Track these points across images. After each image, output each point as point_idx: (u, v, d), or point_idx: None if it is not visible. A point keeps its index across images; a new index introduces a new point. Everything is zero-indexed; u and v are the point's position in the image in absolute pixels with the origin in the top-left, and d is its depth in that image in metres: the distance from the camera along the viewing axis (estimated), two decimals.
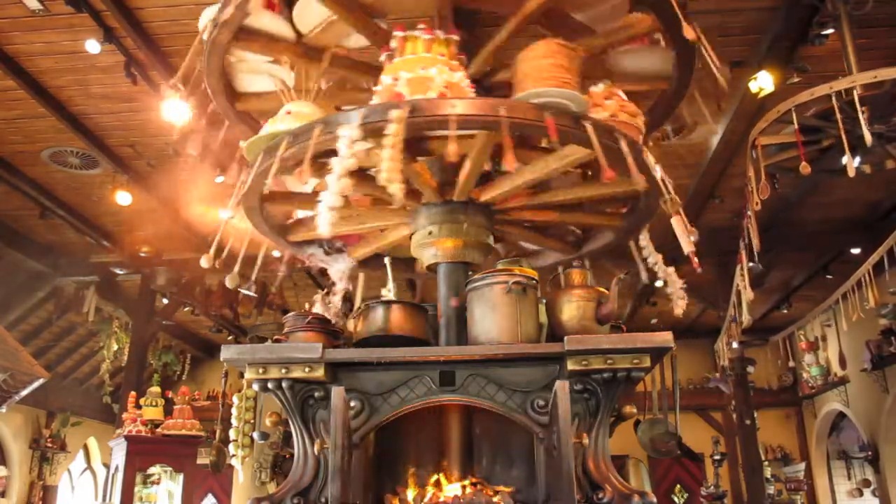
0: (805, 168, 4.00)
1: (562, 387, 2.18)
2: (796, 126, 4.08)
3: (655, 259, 2.73)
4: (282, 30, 2.69)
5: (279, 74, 2.83)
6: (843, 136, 3.86)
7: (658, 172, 2.44)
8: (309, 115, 2.51)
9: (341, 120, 2.21)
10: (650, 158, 2.40)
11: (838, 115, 3.86)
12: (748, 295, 5.71)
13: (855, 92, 3.82)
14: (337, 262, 3.05)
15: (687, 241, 2.41)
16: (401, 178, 2.07)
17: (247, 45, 2.69)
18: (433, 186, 2.60)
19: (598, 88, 2.59)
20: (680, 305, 2.64)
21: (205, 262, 2.54)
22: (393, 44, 2.49)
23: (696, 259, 2.42)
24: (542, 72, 2.32)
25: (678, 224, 2.43)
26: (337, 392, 2.20)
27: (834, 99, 3.89)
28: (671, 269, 2.69)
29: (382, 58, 2.53)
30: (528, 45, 2.42)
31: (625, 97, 2.63)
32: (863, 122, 3.74)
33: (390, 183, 2.05)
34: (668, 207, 2.44)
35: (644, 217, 2.76)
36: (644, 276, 2.73)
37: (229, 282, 2.62)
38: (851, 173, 3.95)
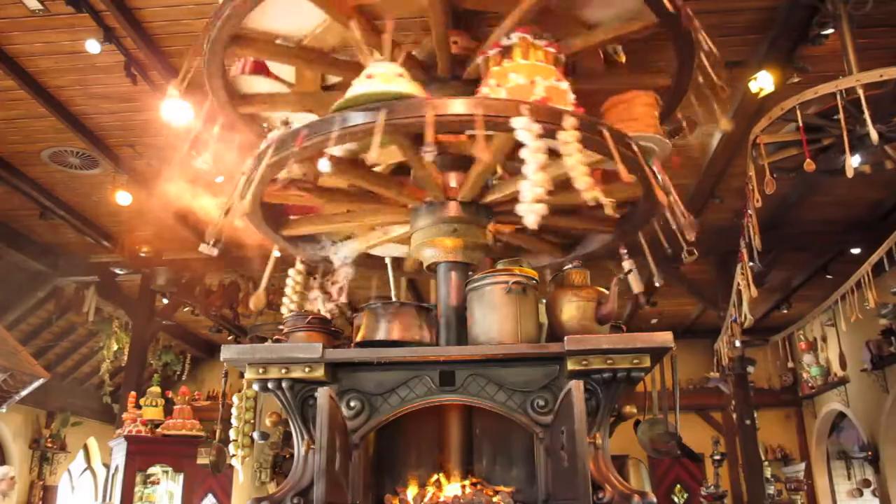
0: (809, 165, 3.98)
1: (577, 386, 2.16)
2: (801, 124, 4.05)
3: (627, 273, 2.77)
4: (276, 87, 2.73)
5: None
6: (846, 135, 3.84)
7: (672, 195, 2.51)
8: (415, 85, 2.45)
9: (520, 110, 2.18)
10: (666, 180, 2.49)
11: (842, 114, 3.84)
12: (752, 292, 5.70)
13: (860, 90, 3.80)
14: (341, 250, 3.04)
15: (637, 283, 2.50)
16: (596, 184, 2.10)
17: (251, 107, 2.74)
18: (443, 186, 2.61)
19: None
20: (636, 287, 2.66)
21: (206, 248, 2.52)
22: (505, 42, 2.48)
23: (643, 298, 2.56)
24: (648, 118, 2.63)
25: (633, 279, 2.51)
26: (323, 392, 2.19)
27: (839, 97, 3.87)
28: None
29: (492, 52, 2.52)
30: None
31: None
32: (868, 120, 3.72)
33: (591, 190, 2.06)
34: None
35: (641, 221, 2.78)
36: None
37: (208, 235, 2.57)
38: (850, 174, 3.94)
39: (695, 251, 2.60)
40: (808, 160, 4.00)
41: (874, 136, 3.72)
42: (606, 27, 2.69)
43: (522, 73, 2.41)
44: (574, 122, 2.14)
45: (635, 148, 2.27)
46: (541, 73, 2.39)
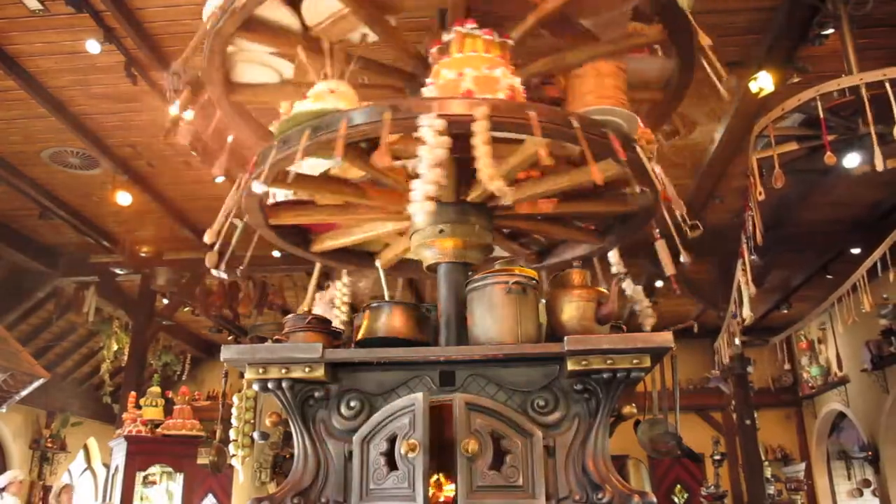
0: (830, 158, 3.93)
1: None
2: (822, 115, 3.96)
3: (624, 274, 2.76)
4: (291, 22, 2.65)
5: (279, 67, 2.80)
6: (873, 130, 3.80)
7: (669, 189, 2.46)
8: (352, 97, 2.41)
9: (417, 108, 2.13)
10: (663, 176, 2.44)
11: (868, 107, 3.78)
12: (751, 290, 5.69)
13: (888, 84, 3.73)
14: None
15: (669, 264, 2.45)
16: (500, 175, 2.04)
17: (253, 35, 2.65)
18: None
19: None
20: (648, 323, 2.66)
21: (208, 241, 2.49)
22: (445, 38, 2.46)
23: (675, 284, 2.49)
24: (604, 90, 2.45)
25: (661, 248, 2.47)
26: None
27: (863, 90, 3.81)
28: (639, 288, 2.73)
29: (434, 50, 2.51)
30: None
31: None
32: (870, 120, 3.70)
33: (492, 180, 2.01)
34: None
35: (646, 217, 2.76)
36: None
37: (208, 236, 2.54)
38: (880, 167, 3.85)
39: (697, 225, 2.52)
40: (828, 153, 3.92)
41: (873, 136, 3.71)
42: (633, 85, 2.68)
43: (453, 67, 2.37)
44: (484, 112, 2.07)
45: (575, 124, 2.15)
46: (470, 65, 2.33)
